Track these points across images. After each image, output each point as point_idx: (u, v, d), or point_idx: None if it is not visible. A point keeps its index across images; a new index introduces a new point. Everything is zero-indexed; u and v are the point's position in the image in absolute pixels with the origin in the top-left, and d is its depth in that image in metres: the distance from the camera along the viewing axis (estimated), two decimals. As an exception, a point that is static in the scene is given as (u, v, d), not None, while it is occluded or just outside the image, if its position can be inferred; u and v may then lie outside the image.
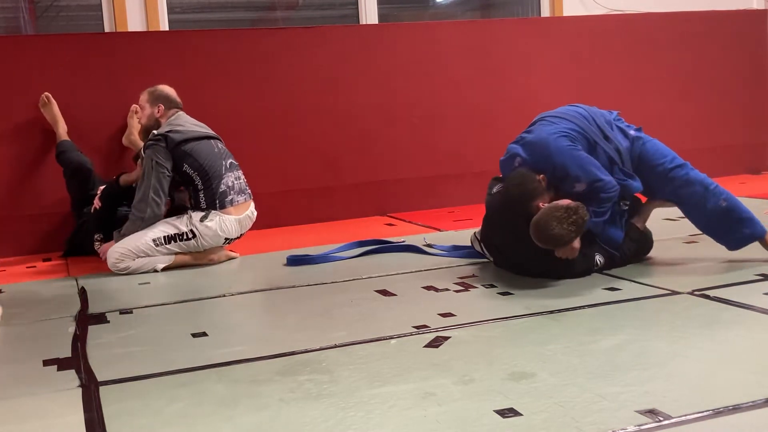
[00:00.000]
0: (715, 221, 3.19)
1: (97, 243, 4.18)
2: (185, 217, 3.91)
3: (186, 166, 3.90)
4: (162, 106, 4.09)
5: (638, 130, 3.30)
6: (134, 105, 4.53)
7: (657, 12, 6.00)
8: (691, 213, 3.27)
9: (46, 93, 4.49)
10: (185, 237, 3.86)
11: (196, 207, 3.95)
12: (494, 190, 3.30)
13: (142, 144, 4.20)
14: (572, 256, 3.01)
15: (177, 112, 4.11)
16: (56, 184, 4.50)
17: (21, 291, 3.53)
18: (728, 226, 3.17)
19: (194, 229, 3.87)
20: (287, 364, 2.25)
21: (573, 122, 3.16)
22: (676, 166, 3.22)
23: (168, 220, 3.92)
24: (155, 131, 4.00)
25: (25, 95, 4.52)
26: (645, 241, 3.37)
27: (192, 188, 3.96)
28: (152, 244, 3.82)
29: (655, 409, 1.76)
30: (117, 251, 3.81)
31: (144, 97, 4.15)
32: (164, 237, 3.85)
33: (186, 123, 4.07)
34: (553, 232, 2.89)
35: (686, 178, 3.21)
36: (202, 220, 3.88)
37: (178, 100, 4.17)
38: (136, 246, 3.81)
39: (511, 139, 3.29)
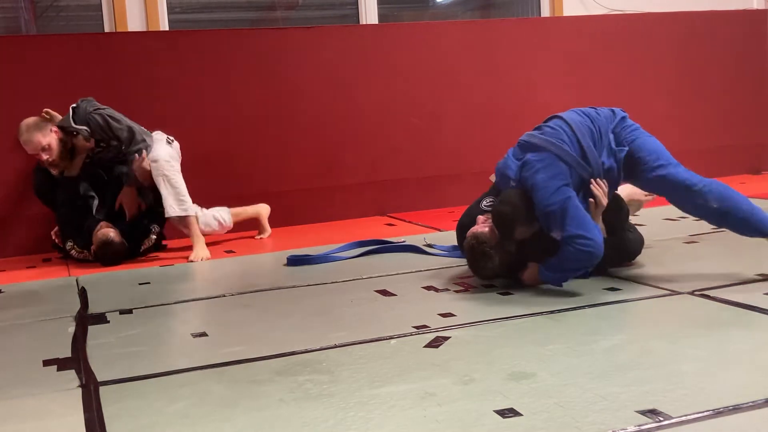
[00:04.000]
0: (713, 220, 2.99)
1: (73, 252, 4.18)
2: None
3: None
4: (53, 127, 4.11)
5: (631, 140, 3.02)
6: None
7: (657, 12, 6.00)
8: (686, 211, 3.06)
9: (46, 109, 4.48)
10: (170, 139, 4.31)
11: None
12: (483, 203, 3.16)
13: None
14: (535, 283, 2.98)
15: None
16: (56, 184, 4.50)
17: (21, 291, 3.53)
18: (729, 226, 2.97)
19: (164, 136, 4.30)
20: (287, 364, 2.25)
21: (558, 155, 2.92)
22: (657, 166, 2.96)
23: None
24: (72, 105, 4.14)
25: (25, 95, 4.51)
26: (625, 245, 3.20)
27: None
28: (173, 149, 4.25)
29: (655, 409, 1.76)
30: (171, 156, 4.16)
31: (37, 136, 4.04)
32: (166, 141, 4.26)
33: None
34: (481, 273, 2.99)
35: (665, 180, 2.96)
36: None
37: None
38: (175, 156, 4.23)
39: (511, 138, 3.26)
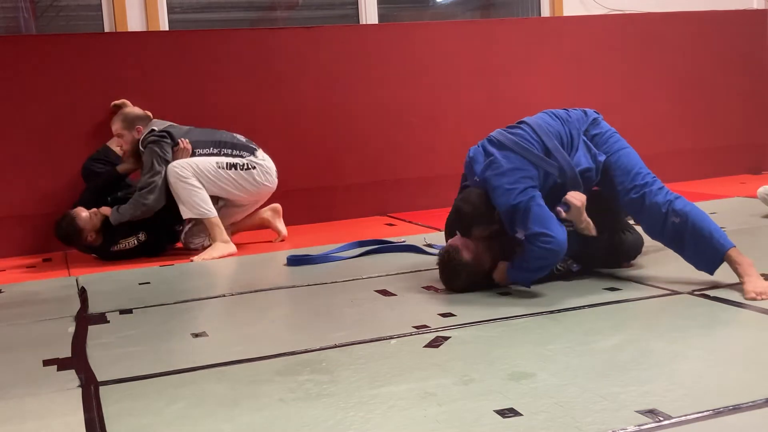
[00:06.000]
0: (674, 243, 2.90)
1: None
2: (241, 156, 4.23)
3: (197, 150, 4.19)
4: (140, 127, 4.22)
5: (608, 153, 3.00)
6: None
7: (657, 12, 6.00)
8: (657, 239, 2.98)
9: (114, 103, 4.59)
10: (246, 167, 4.20)
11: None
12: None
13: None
14: (504, 282, 2.99)
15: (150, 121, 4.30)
16: (56, 184, 4.51)
17: (21, 291, 3.54)
18: (689, 245, 2.85)
19: (252, 161, 4.23)
20: (287, 364, 2.25)
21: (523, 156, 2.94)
22: (633, 187, 2.92)
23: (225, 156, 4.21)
24: (155, 128, 4.19)
25: (24, 95, 4.52)
26: (620, 246, 3.18)
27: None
28: (215, 166, 4.13)
29: (655, 409, 1.76)
30: (180, 164, 4.05)
31: (118, 125, 4.23)
32: (227, 163, 4.16)
33: (165, 123, 4.30)
34: (452, 286, 2.99)
35: (641, 203, 2.90)
36: (254, 154, 4.27)
37: (147, 112, 4.35)
38: (197, 165, 4.07)
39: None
